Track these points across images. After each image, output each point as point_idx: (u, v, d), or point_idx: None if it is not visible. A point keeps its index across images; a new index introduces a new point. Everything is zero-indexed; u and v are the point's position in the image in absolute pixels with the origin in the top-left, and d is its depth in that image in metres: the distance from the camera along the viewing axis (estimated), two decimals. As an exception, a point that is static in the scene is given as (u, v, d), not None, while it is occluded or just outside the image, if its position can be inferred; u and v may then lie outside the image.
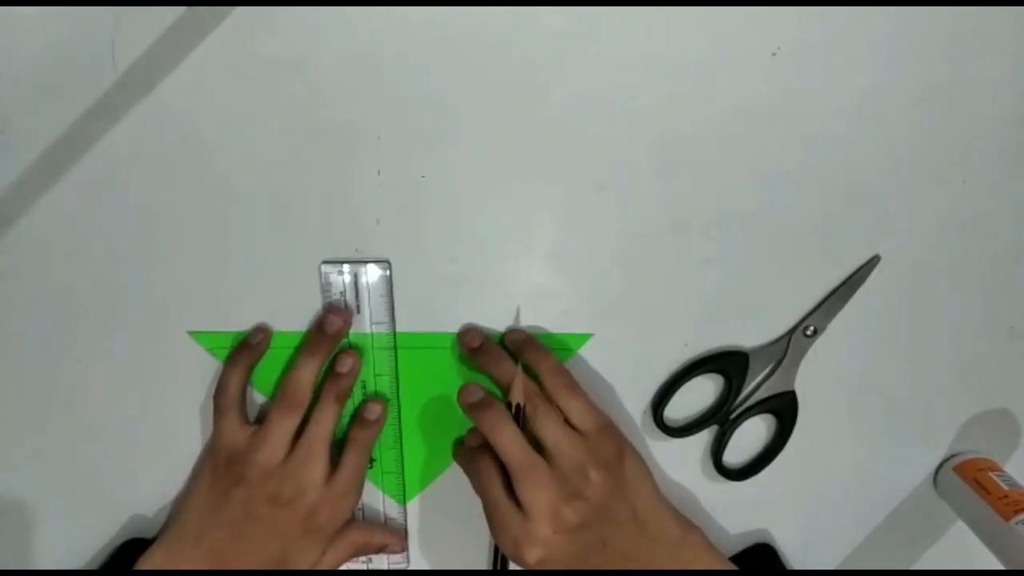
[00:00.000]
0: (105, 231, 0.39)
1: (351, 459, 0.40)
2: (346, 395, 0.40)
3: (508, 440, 0.36)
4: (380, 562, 0.44)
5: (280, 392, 0.39)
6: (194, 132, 0.37)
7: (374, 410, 0.40)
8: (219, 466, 0.39)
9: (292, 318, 0.40)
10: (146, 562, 0.38)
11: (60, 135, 0.37)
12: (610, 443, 0.38)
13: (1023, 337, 0.40)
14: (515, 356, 0.39)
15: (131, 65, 0.36)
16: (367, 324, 0.40)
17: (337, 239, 0.39)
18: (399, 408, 0.42)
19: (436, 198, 0.38)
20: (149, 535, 0.43)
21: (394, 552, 0.44)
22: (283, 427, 0.38)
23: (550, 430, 0.37)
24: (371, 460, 0.42)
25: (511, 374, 0.38)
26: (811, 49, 0.35)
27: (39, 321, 0.40)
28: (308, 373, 0.38)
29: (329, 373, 0.40)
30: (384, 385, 0.41)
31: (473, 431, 0.41)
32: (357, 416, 0.41)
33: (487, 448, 0.38)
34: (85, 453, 0.42)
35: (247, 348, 0.40)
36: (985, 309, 0.39)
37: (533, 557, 0.36)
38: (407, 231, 0.39)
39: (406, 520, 0.44)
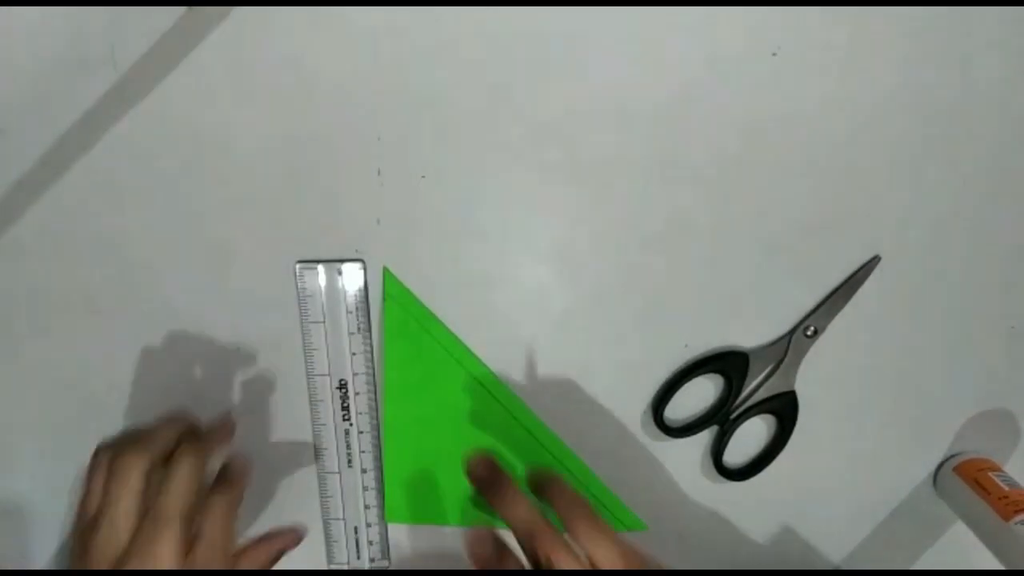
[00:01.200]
0: (105, 231, 0.39)
1: (210, 529, 0.32)
2: (203, 456, 0.33)
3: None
4: (361, 562, 0.44)
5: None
6: (194, 132, 0.37)
7: (235, 468, 0.35)
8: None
9: (290, 319, 0.40)
10: None
11: (60, 135, 0.37)
12: None
13: (1023, 337, 0.40)
14: (536, 495, 0.33)
15: (131, 65, 0.36)
16: (344, 324, 0.40)
17: (337, 239, 0.39)
18: (377, 411, 0.42)
19: (436, 198, 0.38)
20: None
21: (290, 546, 0.37)
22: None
23: None
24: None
25: (530, 520, 0.31)
26: (811, 49, 0.35)
27: (38, 319, 0.40)
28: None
29: (188, 432, 0.34)
30: (361, 384, 0.41)
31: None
32: (218, 477, 0.35)
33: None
34: (85, 452, 0.42)
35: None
36: (985, 309, 0.39)
37: None
38: (407, 231, 0.39)
39: (386, 532, 0.44)
